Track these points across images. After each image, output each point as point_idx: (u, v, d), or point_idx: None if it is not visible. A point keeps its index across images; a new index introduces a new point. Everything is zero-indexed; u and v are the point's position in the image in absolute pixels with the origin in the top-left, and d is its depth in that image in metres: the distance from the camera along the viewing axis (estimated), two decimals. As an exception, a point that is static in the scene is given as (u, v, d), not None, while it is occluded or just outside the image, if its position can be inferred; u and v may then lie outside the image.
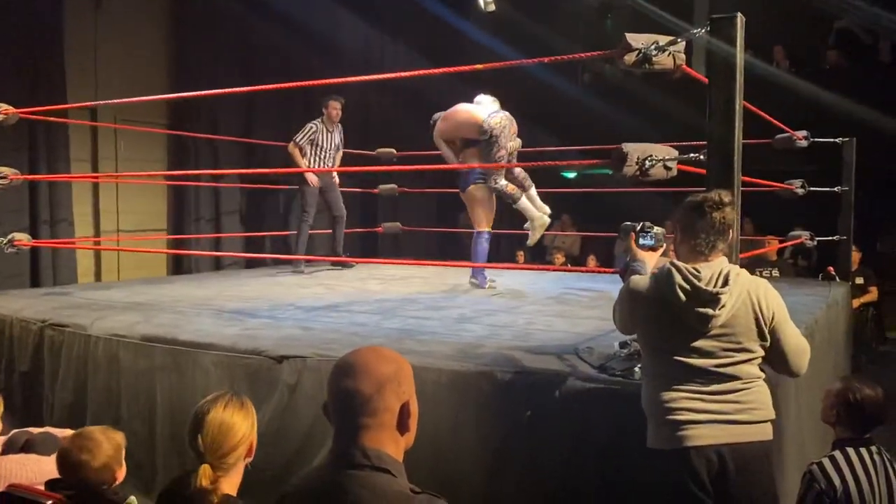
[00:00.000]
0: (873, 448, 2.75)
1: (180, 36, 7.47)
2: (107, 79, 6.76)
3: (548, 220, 5.63)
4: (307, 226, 6.89)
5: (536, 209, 5.56)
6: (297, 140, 6.75)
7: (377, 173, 8.10)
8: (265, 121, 8.07)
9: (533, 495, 2.84)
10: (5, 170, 5.13)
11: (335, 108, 6.82)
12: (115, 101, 5.50)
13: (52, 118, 5.88)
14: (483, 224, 5.60)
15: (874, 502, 2.63)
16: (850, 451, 2.72)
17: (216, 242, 7.69)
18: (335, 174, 7.01)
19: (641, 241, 2.81)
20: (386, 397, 1.47)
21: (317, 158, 6.81)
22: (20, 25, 5.99)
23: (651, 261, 2.76)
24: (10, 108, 5.05)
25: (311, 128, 6.79)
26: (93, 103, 6.05)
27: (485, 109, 5.52)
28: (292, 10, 7.92)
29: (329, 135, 6.87)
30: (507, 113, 5.50)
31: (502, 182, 5.38)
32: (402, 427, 1.49)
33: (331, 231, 7.28)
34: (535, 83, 9.80)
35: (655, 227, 2.80)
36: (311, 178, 6.79)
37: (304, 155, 6.80)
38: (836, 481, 2.64)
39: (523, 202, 5.49)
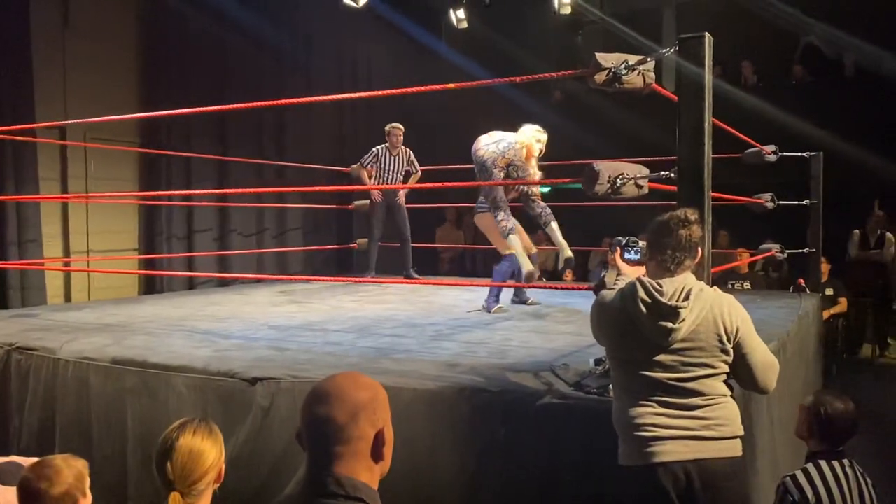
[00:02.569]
0: (846, 461, 2.79)
1: (150, 54, 7.42)
2: (76, 97, 6.69)
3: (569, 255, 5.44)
4: (375, 242, 7.30)
5: (557, 245, 5.42)
6: (364, 161, 7.19)
7: (352, 191, 8.10)
8: (237, 139, 8.03)
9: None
10: (-29, 191, 5.04)
11: (395, 134, 7.12)
12: (85, 120, 5.45)
13: (20, 137, 5.80)
14: (503, 249, 5.51)
15: None
16: (823, 463, 2.75)
17: (189, 261, 7.62)
18: (401, 196, 7.24)
19: (627, 255, 2.83)
20: (360, 425, 1.45)
21: (381, 181, 7.16)
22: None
23: (636, 276, 2.78)
24: (-23, 128, 4.97)
25: (375, 151, 7.19)
26: (62, 122, 5.98)
27: (491, 139, 5.36)
28: (264, 28, 7.92)
29: (393, 158, 7.16)
30: (523, 143, 5.30)
31: (500, 216, 5.30)
32: (376, 455, 1.47)
33: (399, 247, 7.40)
34: (505, 100, 9.87)
35: (641, 242, 2.81)
36: (376, 196, 7.18)
37: (371, 177, 7.22)
38: (809, 493, 2.67)
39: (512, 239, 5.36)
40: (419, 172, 7.36)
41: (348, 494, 1.41)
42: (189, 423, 2.03)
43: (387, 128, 7.17)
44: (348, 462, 1.44)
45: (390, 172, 7.16)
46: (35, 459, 2.46)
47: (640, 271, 2.79)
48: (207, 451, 1.99)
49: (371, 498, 1.43)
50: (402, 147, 7.22)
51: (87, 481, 2.35)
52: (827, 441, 2.82)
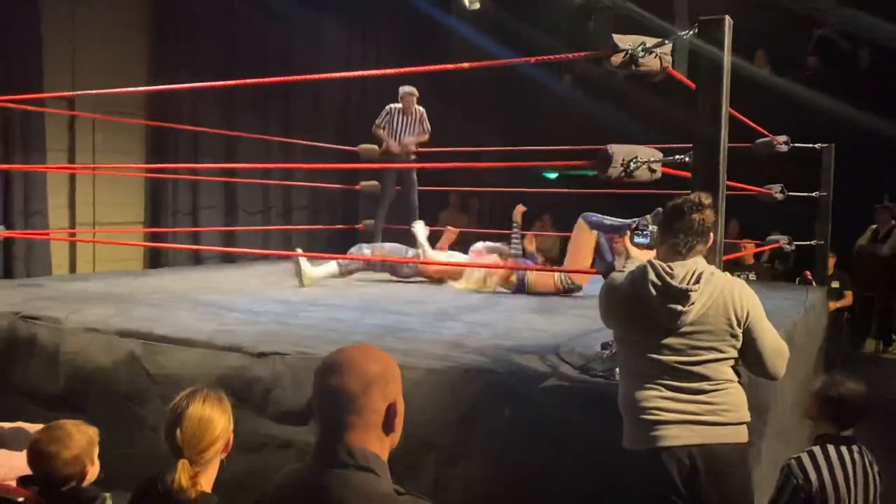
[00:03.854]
0: (854, 447, 2.76)
1: (160, 27, 7.37)
2: (84, 69, 6.65)
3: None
4: (382, 214, 7.14)
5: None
6: (378, 122, 7.03)
7: (358, 170, 8.07)
8: (245, 115, 7.99)
9: (512, 494, 2.83)
10: (-22, 159, 5.03)
11: (407, 100, 6.96)
12: (93, 91, 5.41)
13: (28, 107, 5.77)
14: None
15: (850, 501, 2.64)
16: (831, 448, 2.72)
17: (194, 235, 7.61)
18: (414, 173, 7.13)
19: (637, 239, 2.81)
20: (372, 397, 1.44)
21: (392, 140, 6.99)
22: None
23: (645, 259, 2.76)
24: (-15, 96, 4.95)
25: (388, 109, 7.03)
26: (70, 93, 5.95)
27: None
28: (273, 3, 7.85)
29: (405, 118, 7.02)
30: None
31: None
32: (387, 427, 1.47)
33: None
34: (518, 82, 9.81)
35: (651, 226, 2.79)
36: (392, 146, 6.96)
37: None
38: (813, 476, 2.65)
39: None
40: (427, 133, 7.20)
41: (359, 464, 1.41)
42: (198, 391, 2.03)
43: (400, 91, 7.00)
44: (360, 433, 1.44)
45: (404, 133, 7.02)
46: (42, 426, 2.46)
47: (650, 255, 2.77)
48: (217, 419, 1.99)
49: (381, 469, 1.43)
50: (417, 108, 7.09)
51: (97, 449, 2.36)
52: (837, 422, 2.78)
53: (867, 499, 2.71)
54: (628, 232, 2.85)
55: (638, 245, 2.81)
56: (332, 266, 5.68)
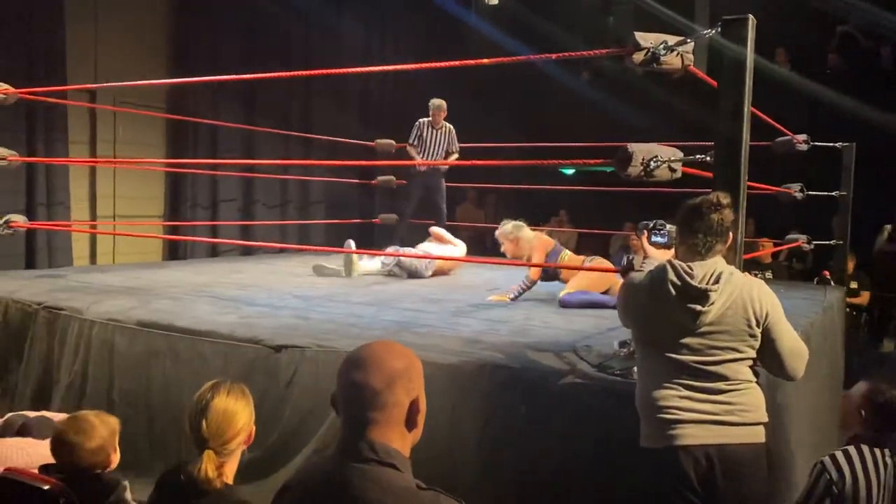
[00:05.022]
0: (887, 451, 2.77)
1: (181, 20, 7.42)
2: (107, 61, 6.71)
3: None
4: (406, 218, 7.27)
5: None
6: (410, 141, 7.15)
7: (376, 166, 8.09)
8: (265, 108, 8.03)
9: (528, 491, 2.84)
10: (3, 151, 5.08)
11: (436, 113, 7.06)
12: (115, 84, 5.47)
13: (51, 99, 5.83)
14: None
15: (880, 502, 2.66)
16: (865, 449, 2.73)
17: (213, 229, 7.67)
18: (443, 181, 7.21)
19: (654, 238, 2.80)
20: (396, 392, 1.46)
21: (423, 157, 7.09)
22: (20, 8, 5.94)
23: (664, 259, 2.76)
24: (10, 87, 5.00)
25: (418, 125, 7.14)
26: (93, 86, 6.01)
27: None
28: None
29: (435, 132, 7.11)
30: None
31: None
32: (410, 423, 1.48)
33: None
34: (536, 78, 9.79)
35: (668, 225, 2.79)
36: (420, 165, 7.00)
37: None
38: (847, 474, 2.66)
39: None
40: (457, 154, 7.28)
41: (381, 460, 1.42)
42: (222, 383, 2.06)
43: (431, 105, 7.11)
44: (382, 428, 1.45)
45: (432, 147, 7.11)
46: (66, 415, 2.51)
47: (668, 254, 2.77)
48: (240, 411, 2.02)
49: (403, 465, 1.45)
50: (446, 123, 7.15)
51: (117, 438, 2.40)
52: (874, 428, 2.80)
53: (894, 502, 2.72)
54: (645, 231, 2.84)
55: (655, 244, 2.81)
56: (377, 263, 5.86)
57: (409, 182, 7.34)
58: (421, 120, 7.15)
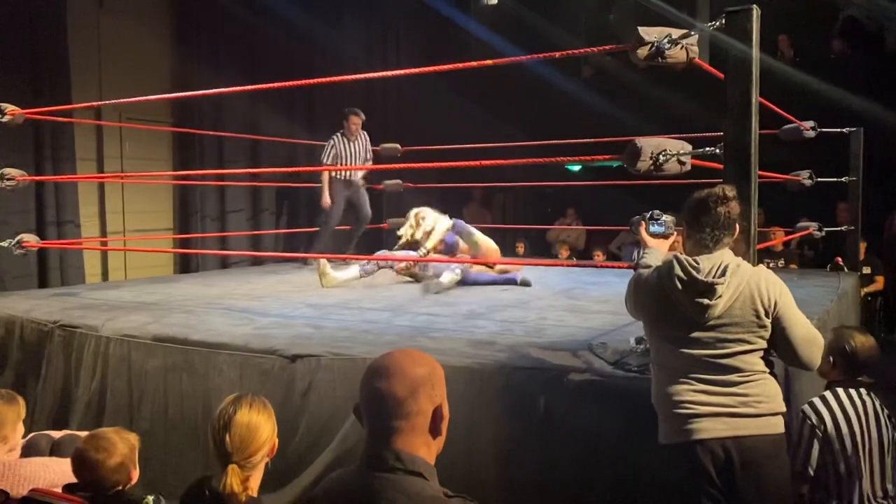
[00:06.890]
0: (863, 390, 2.88)
1: (184, 34, 7.44)
2: (111, 78, 6.74)
3: None
4: (327, 231, 7.14)
5: None
6: (323, 160, 7.06)
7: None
8: (269, 119, 8.04)
9: (548, 491, 2.84)
10: (12, 171, 5.11)
11: (353, 122, 7.05)
12: (120, 100, 5.48)
13: (57, 118, 5.86)
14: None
15: (862, 436, 2.76)
16: (841, 391, 2.85)
17: (222, 241, 7.69)
18: (361, 180, 7.18)
19: (652, 228, 2.79)
20: (419, 400, 1.46)
21: (342, 172, 7.06)
22: (24, 25, 5.96)
23: (663, 248, 2.75)
24: (16, 108, 5.03)
25: (331, 143, 7.07)
26: (98, 103, 6.02)
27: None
28: (295, 8, 7.89)
29: (350, 145, 7.07)
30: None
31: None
32: (434, 431, 1.48)
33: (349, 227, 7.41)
34: (538, 77, 9.77)
35: (665, 215, 2.78)
36: (325, 201, 7.02)
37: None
38: (827, 416, 2.77)
39: None
40: (370, 160, 7.21)
41: (407, 469, 1.42)
42: (243, 397, 2.06)
43: (346, 115, 7.04)
44: (407, 437, 1.45)
45: (352, 162, 7.03)
46: (87, 433, 2.52)
47: (666, 244, 2.77)
48: (263, 424, 2.02)
49: (429, 472, 1.45)
50: (361, 133, 7.12)
51: (137, 453, 2.41)
52: (847, 372, 2.92)
53: (881, 439, 2.81)
54: (642, 222, 2.83)
55: (653, 234, 2.80)
56: (353, 270, 5.78)
57: (331, 191, 7.10)
58: (335, 136, 7.08)
